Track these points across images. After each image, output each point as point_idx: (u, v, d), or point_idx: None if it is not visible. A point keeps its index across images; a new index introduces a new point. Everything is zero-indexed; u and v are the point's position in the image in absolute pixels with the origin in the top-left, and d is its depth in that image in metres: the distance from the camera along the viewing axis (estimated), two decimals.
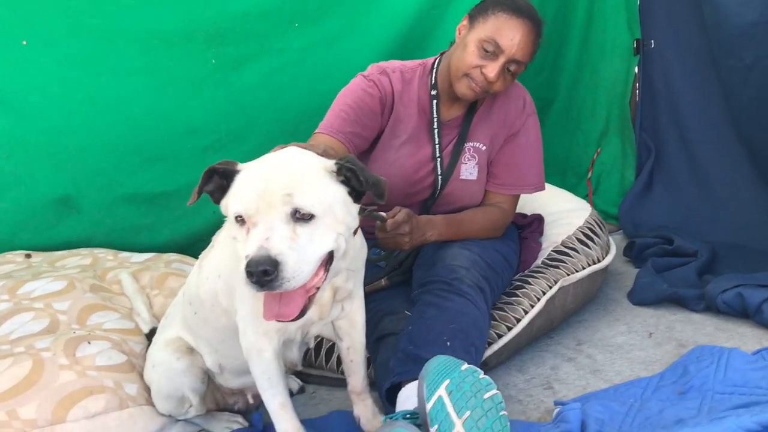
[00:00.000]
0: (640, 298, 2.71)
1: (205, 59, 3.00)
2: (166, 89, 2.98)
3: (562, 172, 3.76)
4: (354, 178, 1.51)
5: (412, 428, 1.47)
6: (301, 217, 1.42)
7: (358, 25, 3.15)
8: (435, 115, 2.29)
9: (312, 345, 2.12)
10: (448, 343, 1.89)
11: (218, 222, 3.12)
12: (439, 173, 2.31)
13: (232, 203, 1.47)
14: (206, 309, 1.88)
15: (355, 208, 1.56)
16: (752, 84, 3.01)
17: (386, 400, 1.90)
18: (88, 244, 3.00)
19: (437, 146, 2.30)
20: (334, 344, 2.35)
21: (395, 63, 2.39)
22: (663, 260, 2.93)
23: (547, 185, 3.06)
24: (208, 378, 2.03)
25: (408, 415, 1.61)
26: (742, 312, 2.46)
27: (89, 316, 2.26)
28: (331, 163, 1.51)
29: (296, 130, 3.17)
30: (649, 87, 3.48)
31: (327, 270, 1.52)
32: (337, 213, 1.49)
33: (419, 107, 2.32)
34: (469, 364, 1.59)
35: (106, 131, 2.93)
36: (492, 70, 2.13)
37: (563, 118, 3.79)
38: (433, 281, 2.11)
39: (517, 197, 2.43)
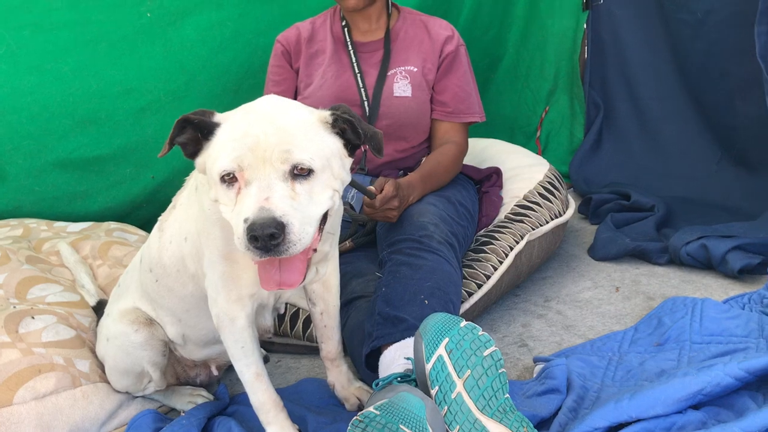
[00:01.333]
0: (602, 253, 2.68)
1: (139, 13, 2.80)
2: (97, 45, 2.76)
3: (511, 132, 3.70)
4: (351, 130, 1.42)
5: (418, 392, 1.37)
6: (299, 173, 1.31)
7: None
8: (348, 38, 2.40)
9: (282, 311, 1.99)
10: (426, 302, 1.79)
11: (158, 188, 2.97)
12: (361, 86, 2.35)
13: (217, 159, 1.32)
14: (170, 276, 1.73)
15: (349, 162, 1.46)
16: (703, 37, 3.01)
17: (365, 365, 1.80)
18: (16, 213, 2.77)
19: (356, 64, 2.38)
20: (298, 310, 2.23)
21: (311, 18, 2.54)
22: (621, 215, 2.91)
23: (501, 142, 3.02)
24: (170, 350, 1.88)
25: (399, 378, 1.52)
26: (705, 263, 2.46)
27: (29, 289, 2.06)
28: (326, 114, 1.41)
29: (239, 89, 3.02)
30: (598, 43, 3.45)
31: (321, 230, 1.41)
32: (335, 168, 1.39)
33: (334, 37, 2.44)
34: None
35: (32, 91, 2.70)
36: None
37: (512, 75, 3.72)
38: (402, 240, 2.01)
39: (465, 126, 2.45)
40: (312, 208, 1.32)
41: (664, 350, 1.97)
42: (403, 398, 1.31)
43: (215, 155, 1.34)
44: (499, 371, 1.45)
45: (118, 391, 1.88)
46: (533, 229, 2.44)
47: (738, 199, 2.99)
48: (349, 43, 2.40)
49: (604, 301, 2.36)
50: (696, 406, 1.64)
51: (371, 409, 1.32)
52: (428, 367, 1.40)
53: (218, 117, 1.40)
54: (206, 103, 2.96)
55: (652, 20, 3.25)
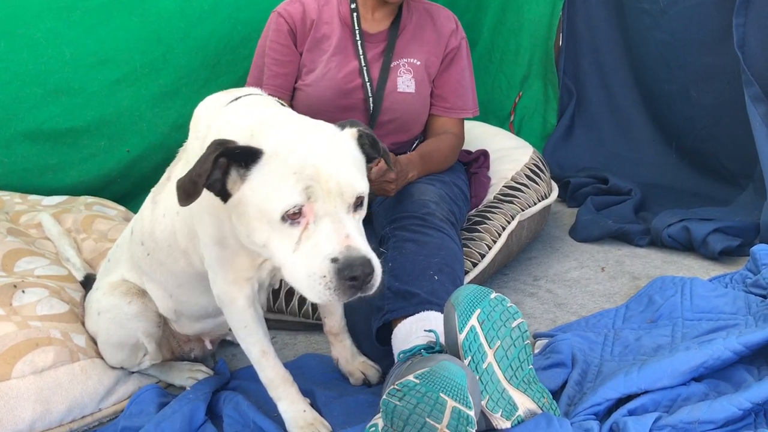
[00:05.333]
0: (585, 234, 2.74)
1: None
2: (71, 12, 2.66)
3: (484, 116, 3.70)
4: (369, 145, 1.40)
5: (458, 361, 1.36)
6: (357, 203, 1.29)
7: None
8: (357, 27, 2.27)
9: (277, 285, 1.95)
10: (436, 277, 1.80)
11: (133, 162, 2.87)
12: (366, 80, 2.27)
13: (278, 194, 1.23)
14: (162, 250, 1.68)
15: None
16: (664, 27, 3.07)
17: (375, 339, 1.79)
18: None
19: (362, 56, 2.27)
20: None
21: None
22: (600, 198, 2.97)
23: (485, 124, 3.04)
24: (164, 322, 1.83)
25: (424, 350, 1.51)
26: (686, 245, 2.54)
27: (15, 262, 1.98)
28: (354, 130, 1.38)
29: (217, 63, 2.95)
30: (573, 31, 3.50)
31: None
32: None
33: (341, 21, 2.29)
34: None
35: (1, 58, 2.59)
36: None
37: (486, 60, 3.74)
38: (405, 217, 2.00)
39: (463, 121, 2.45)
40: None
41: (658, 327, 2.02)
42: (444, 367, 1.30)
43: (272, 189, 1.24)
44: (525, 342, 1.47)
45: (113, 367, 1.82)
46: (522, 210, 2.47)
47: (706, 186, 3.07)
48: (357, 31, 2.27)
49: (592, 280, 2.41)
50: (697, 379, 1.70)
51: (410, 377, 1.31)
52: (461, 337, 1.40)
53: (266, 143, 1.28)
54: (183, 76, 2.89)
55: (623, 9, 3.31)
